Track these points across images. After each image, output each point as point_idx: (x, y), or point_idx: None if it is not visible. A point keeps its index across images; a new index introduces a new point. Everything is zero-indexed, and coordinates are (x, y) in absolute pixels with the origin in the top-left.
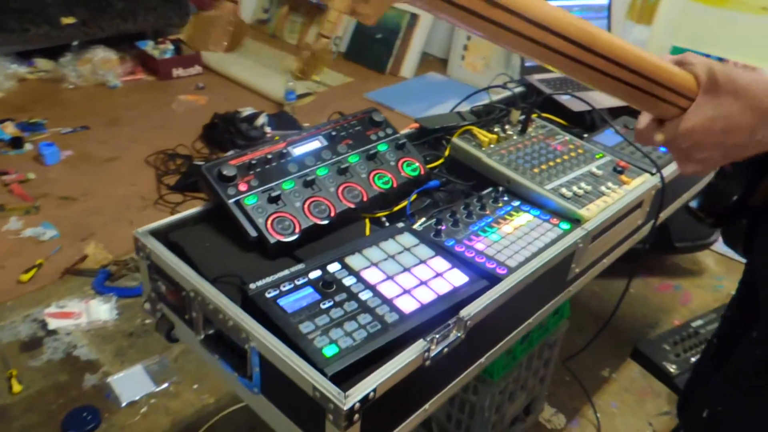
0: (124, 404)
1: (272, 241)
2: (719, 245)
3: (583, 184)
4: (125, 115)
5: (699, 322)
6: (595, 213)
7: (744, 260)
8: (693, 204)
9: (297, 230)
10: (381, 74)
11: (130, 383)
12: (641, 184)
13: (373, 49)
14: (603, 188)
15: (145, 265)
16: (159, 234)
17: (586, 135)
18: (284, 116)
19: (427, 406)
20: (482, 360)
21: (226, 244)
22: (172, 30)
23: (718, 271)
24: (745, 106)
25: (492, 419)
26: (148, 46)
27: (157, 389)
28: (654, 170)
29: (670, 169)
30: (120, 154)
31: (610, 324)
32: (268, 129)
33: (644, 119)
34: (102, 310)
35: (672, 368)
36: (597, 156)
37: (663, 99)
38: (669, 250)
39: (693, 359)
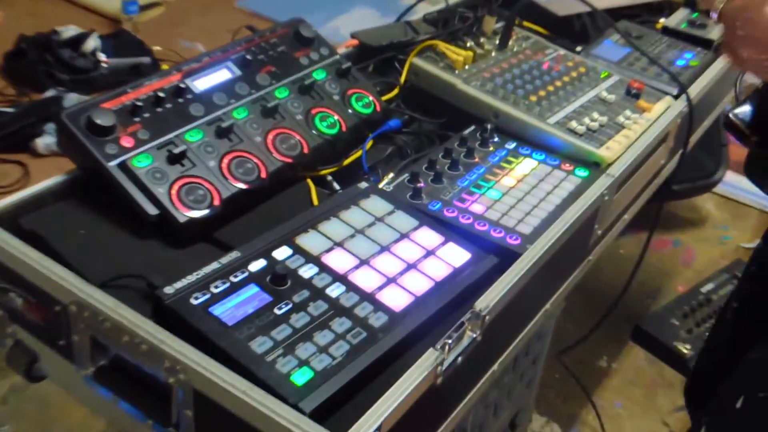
0: None
1: (182, 219)
2: (720, 186)
3: (595, 115)
4: None
5: (710, 286)
6: (618, 152)
7: None
8: (738, 115)
9: (216, 201)
10: None
11: None
12: (665, 110)
13: None
14: (621, 119)
15: None
16: (3, 220)
17: (579, 48)
18: (125, 37)
19: None
20: (495, 367)
21: (110, 229)
22: None
23: (722, 218)
24: None
25: None
26: None
27: None
28: (676, 90)
29: (697, 89)
30: None
31: (601, 299)
32: (102, 56)
33: None
34: None
35: (685, 348)
36: (602, 75)
37: None
38: (665, 195)
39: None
